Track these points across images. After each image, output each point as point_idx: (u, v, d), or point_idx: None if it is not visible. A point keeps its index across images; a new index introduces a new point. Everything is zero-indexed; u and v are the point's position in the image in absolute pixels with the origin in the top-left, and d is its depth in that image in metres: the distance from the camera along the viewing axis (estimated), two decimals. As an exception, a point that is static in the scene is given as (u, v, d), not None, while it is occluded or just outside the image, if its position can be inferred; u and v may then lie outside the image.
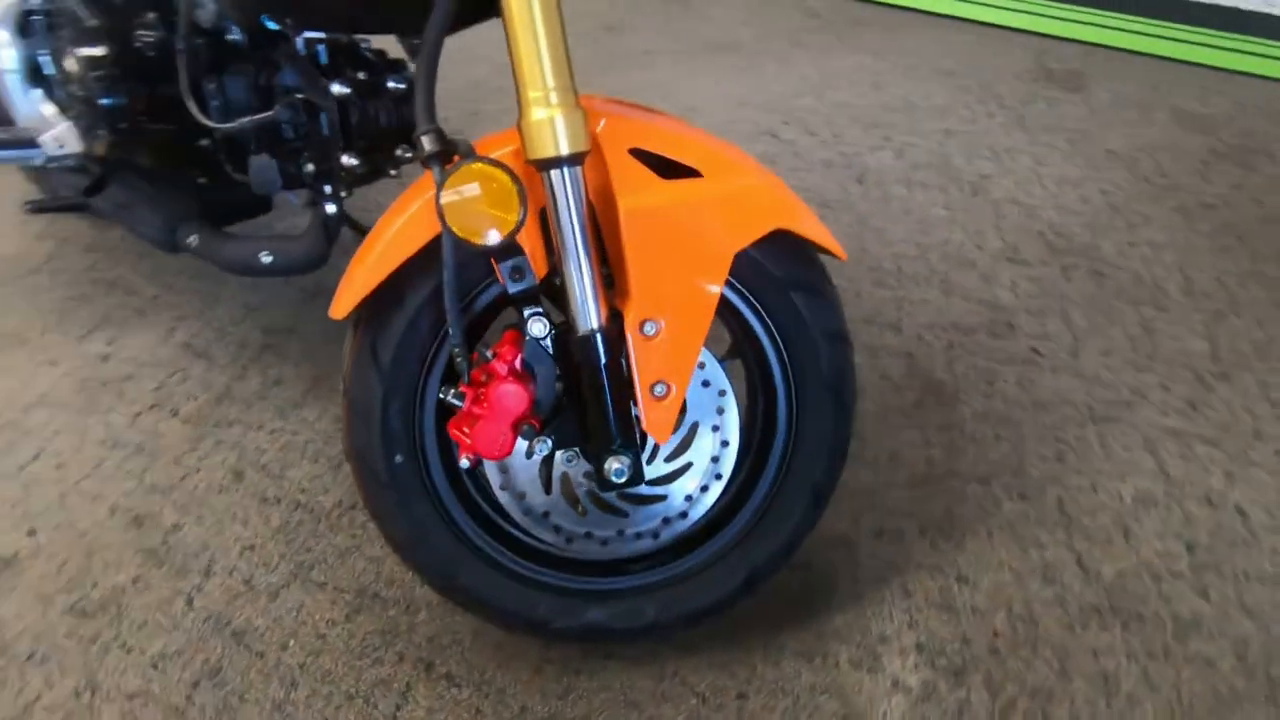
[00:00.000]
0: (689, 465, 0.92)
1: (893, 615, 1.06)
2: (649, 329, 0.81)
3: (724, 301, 0.85)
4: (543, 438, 0.84)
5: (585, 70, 2.89)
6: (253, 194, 1.09)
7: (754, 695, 0.96)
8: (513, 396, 0.78)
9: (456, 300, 0.78)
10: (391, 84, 1.09)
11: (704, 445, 0.91)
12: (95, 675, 0.97)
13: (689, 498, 0.92)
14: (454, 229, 0.71)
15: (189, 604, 1.05)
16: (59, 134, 1.10)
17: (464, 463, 0.83)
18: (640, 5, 3.17)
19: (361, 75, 1.09)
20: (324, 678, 0.96)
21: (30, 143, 1.13)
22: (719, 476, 0.92)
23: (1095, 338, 1.55)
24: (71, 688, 0.96)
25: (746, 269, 0.85)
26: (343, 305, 0.81)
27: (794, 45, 2.81)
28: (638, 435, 0.84)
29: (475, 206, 0.70)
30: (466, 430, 0.79)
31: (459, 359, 0.80)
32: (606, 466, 0.82)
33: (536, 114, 0.72)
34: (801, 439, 0.92)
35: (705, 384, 0.89)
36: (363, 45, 1.17)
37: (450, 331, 0.79)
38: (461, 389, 0.80)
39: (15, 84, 1.22)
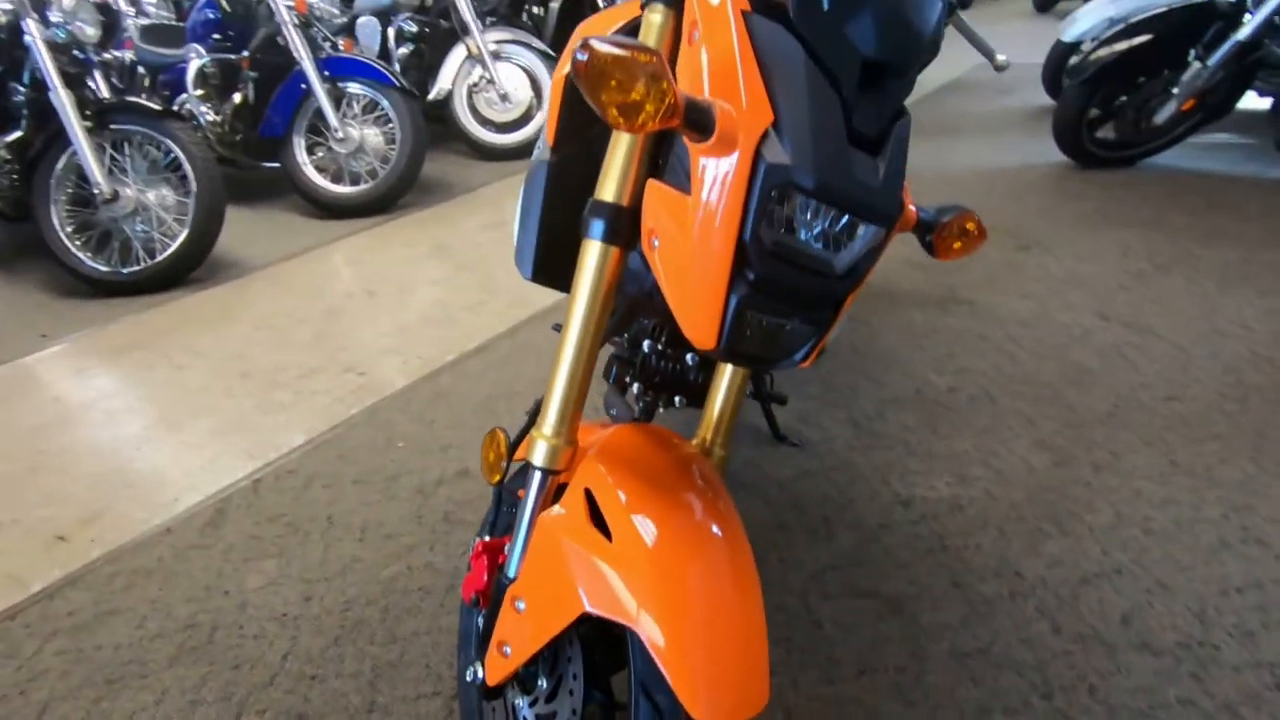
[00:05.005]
0: None
1: None
2: (519, 605, 0.96)
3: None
4: (482, 612, 1.07)
5: (1093, 422, 1.94)
6: None
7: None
8: (470, 577, 1.05)
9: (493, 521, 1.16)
10: (690, 357, 1.41)
11: None
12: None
13: None
14: (483, 457, 1.09)
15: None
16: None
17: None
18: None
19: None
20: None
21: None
22: None
23: None
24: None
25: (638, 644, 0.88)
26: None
27: None
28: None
29: (483, 454, 1.08)
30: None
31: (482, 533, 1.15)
32: (469, 666, 1.04)
33: (534, 431, 0.96)
34: None
35: (571, 692, 1.00)
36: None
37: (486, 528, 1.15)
38: (476, 544, 1.08)
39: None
